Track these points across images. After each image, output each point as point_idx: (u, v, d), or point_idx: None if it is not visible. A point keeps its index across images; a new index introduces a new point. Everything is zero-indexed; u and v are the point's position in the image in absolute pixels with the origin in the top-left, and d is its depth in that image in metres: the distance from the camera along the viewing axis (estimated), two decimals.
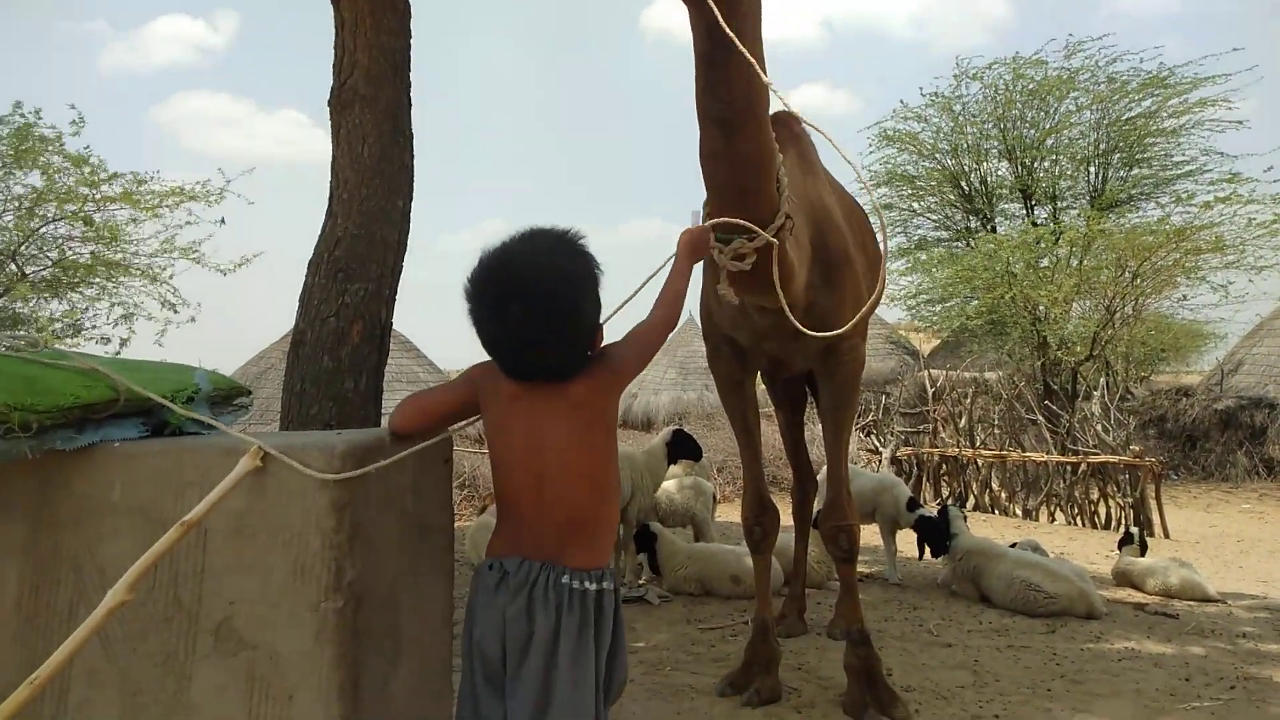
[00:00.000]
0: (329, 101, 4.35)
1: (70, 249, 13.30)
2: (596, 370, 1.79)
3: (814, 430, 9.30)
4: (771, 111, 3.64)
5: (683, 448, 6.05)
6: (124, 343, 12.82)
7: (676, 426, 6.39)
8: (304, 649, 1.61)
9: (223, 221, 13.62)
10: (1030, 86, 16.67)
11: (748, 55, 1.95)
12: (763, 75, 2.09)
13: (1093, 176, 17.28)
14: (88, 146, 12.78)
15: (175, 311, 13.50)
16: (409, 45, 4.49)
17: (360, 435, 1.70)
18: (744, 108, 2.11)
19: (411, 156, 4.44)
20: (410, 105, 4.47)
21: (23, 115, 12.44)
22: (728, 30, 1.90)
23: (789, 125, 3.59)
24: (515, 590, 1.70)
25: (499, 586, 1.71)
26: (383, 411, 4.28)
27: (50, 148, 12.58)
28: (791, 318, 2.48)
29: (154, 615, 1.69)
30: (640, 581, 5.83)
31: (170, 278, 13.67)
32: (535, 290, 1.67)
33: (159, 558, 1.48)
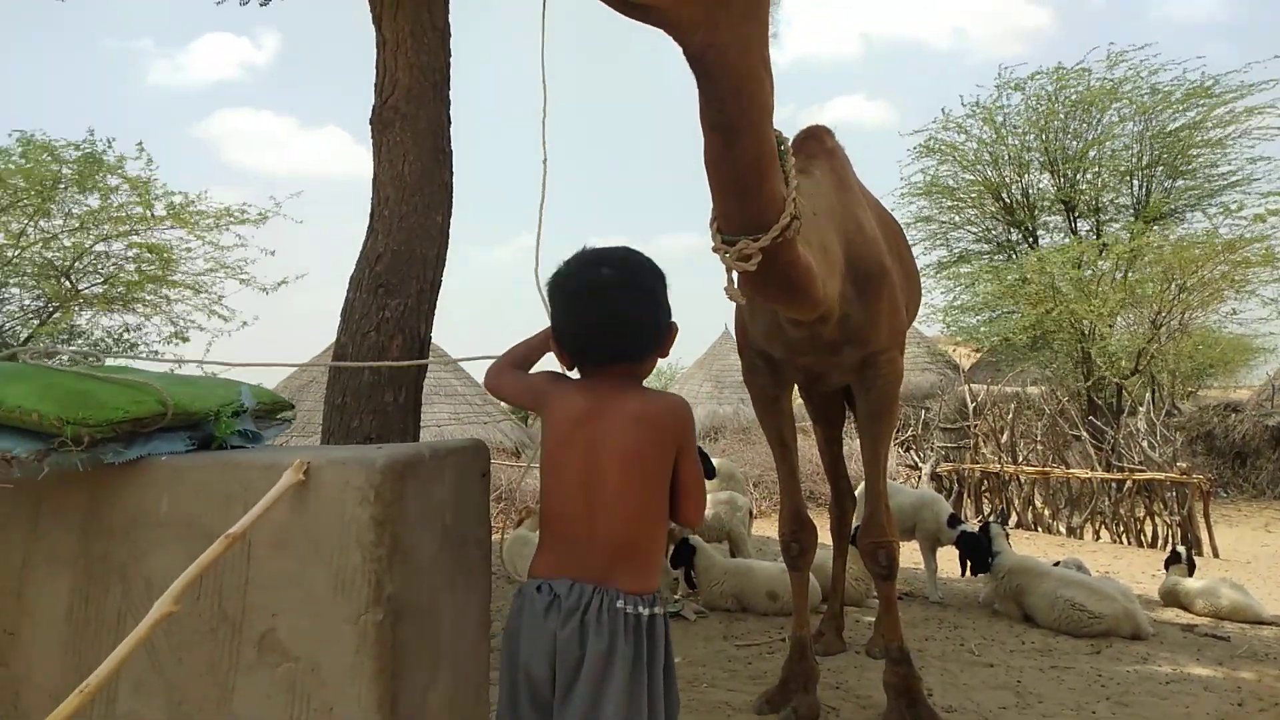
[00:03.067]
0: (371, 120, 4.43)
1: (122, 267, 13.70)
2: (669, 405, 1.85)
3: (852, 445, 9.20)
4: (807, 126, 3.68)
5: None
6: (176, 362, 13.24)
7: (696, 444, 6.36)
8: (344, 661, 1.62)
9: (273, 253, 14.02)
10: (1073, 97, 16.45)
11: (738, 73, 2.04)
12: (765, 86, 2.15)
13: (1136, 189, 16.99)
14: (149, 165, 13.17)
15: (225, 320, 13.86)
16: (449, 64, 4.56)
17: (400, 449, 1.72)
18: (742, 115, 2.14)
19: (451, 174, 4.50)
20: (450, 123, 4.53)
21: (93, 143, 12.86)
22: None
23: (821, 139, 3.60)
24: (567, 614, 1.68)
25: (549, 610, 1.69)
26: (421, 425, 4.34)
27: (113, 173, 13.00)
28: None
29: (199, 626, 1.72)
30: (676, 597, 5.81)
31: (219, 299, 14.03)
32: (641, 277, 1.84)
33: (204, 570, 1.51)
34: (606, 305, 1.80)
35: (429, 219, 4.34)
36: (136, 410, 1.81)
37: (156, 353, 13.35)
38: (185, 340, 13.82)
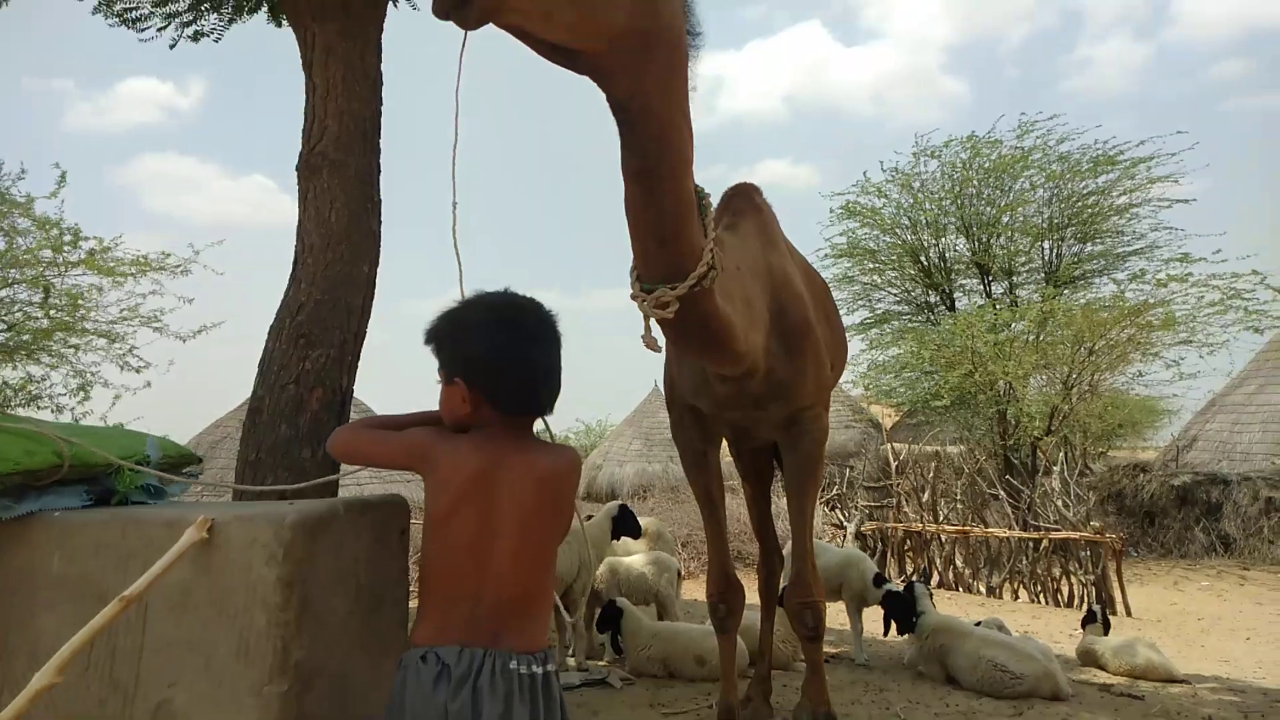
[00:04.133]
0: (297, 166, 4.35)
1: (27, 313, 13.08)
2: (565, 458, 1.81)
3: (780, 504, 9.25)
4: (735, 183, 3.74)
5: (625, 524, 5.98)
6: (77, 416, 12.62)
7: (622, 503, 6.32)
8: None
9: (191, 300, 13.59)
10: (986, 164, 17.22)
11: (656, 123, 2.10)
12: (684, 136, 2.22)
13: (1047, 252, 17.79)
14: (61, 203, 12.68)
15: (137, 372, 13.28)
16: (380, 113, 4.53)
17: (312, 505, 1.63)
18: (661, 163, 2.19)
19: (379, 222, 4.43)
20: (380, 171, 4.48)
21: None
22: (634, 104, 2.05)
23: (749, 196, 3.67)
24: (458, 683, 1.58)
25: (438, 680, 1.59)
26: (341, 483, 4.18)
27: (17, 210, 12.47)
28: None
29: (86, 698, 1.59)
30: (601, 663, 5.67)
31: (131, 349, 13.49)
32: (555, 329, 1.82)
33: (94, 636, 1.40)
34: (546, 362, 1.78)
35: (355, 268, 4.25)
36: (29, 462, 1.69)
37: (60, 408, 12.71)
38: (87, 397, 13.14)
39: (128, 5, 5.62)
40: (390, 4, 4.84)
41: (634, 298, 2.46)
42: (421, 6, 5.80)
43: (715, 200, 3.34)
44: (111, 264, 13.20)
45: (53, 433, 1.73)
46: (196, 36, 5.86)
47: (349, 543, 1.70)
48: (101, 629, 1.40)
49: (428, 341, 1.80)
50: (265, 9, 5.74)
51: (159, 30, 5.78)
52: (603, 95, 2.10)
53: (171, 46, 5.87)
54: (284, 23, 5.22)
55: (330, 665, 1.65)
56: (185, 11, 5.66)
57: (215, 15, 5.74)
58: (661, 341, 2.68)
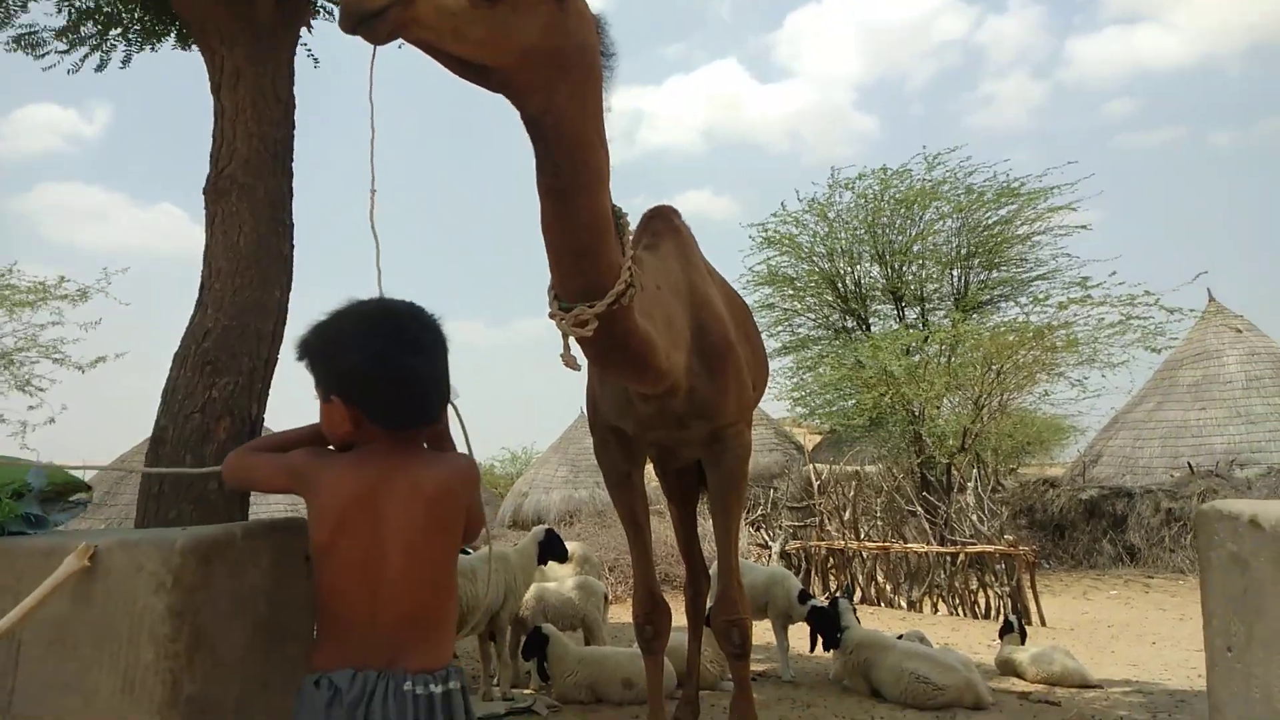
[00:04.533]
0: (205, 190, 4.19)
1: None
2: (454, 465, 1.74)
3: (707, 526, 9.25)
4: (654, 206, 3.75)
5: (552, 548, 5.92)
6: None
7: (548, 527, 6.26)
8: None
9: (98, 322, 13.02)
10: (897, 195, 17.78)
11: (568, 140, 2.11)
12: (599, 153, 2.23)
13: (956, 279, 18.40)
14: None
15: (37, 403, 12.64)
16: (292, 135, 4.40)
17: (205, 529, 1.54)
18: (575, 179, 2.19)
19: (291, 246, 4.29)
20: (291, 195, 4.35)
21: None
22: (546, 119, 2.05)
23: (668, 218, 3.68)
24: (350, 708, 1.51)
25: (331, 706, 1.51)
26: (249, 515, 4.01)
27: None
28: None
29: None
30: (527, 691, 5.55)
31: (28, 381, 12.85)
32: (438, 333, 1.74)
33: None
34: (429, 369, 1.70)
35: (265, 293, 4.10)
36: None
37: None
38: None
39: (26, 29, 5.37)
40: (305, 29, 4.74)
41: (552, 316, 2.44)
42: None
43: (634, 224, 3.35)
44: (7, 291, 12.58)
45: None
46: (102, 64, 5.62)
47: (248, 569, 1.60)
48: None
49: (300, 357, 1.71)
50: (173, 34, 5.55)
51: (60, 55, 5.53)
52: (517, 113, 2.09)
53: (71, 72, 5.62)
54: (192, 46, 5.05)
55: (227, 702, 1.55)
56: (90, 38, 5.43)
57: (123, 42, 5.52)
58: (581, 360, 2.65)
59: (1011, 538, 9.77)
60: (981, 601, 9.52)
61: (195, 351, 3.91)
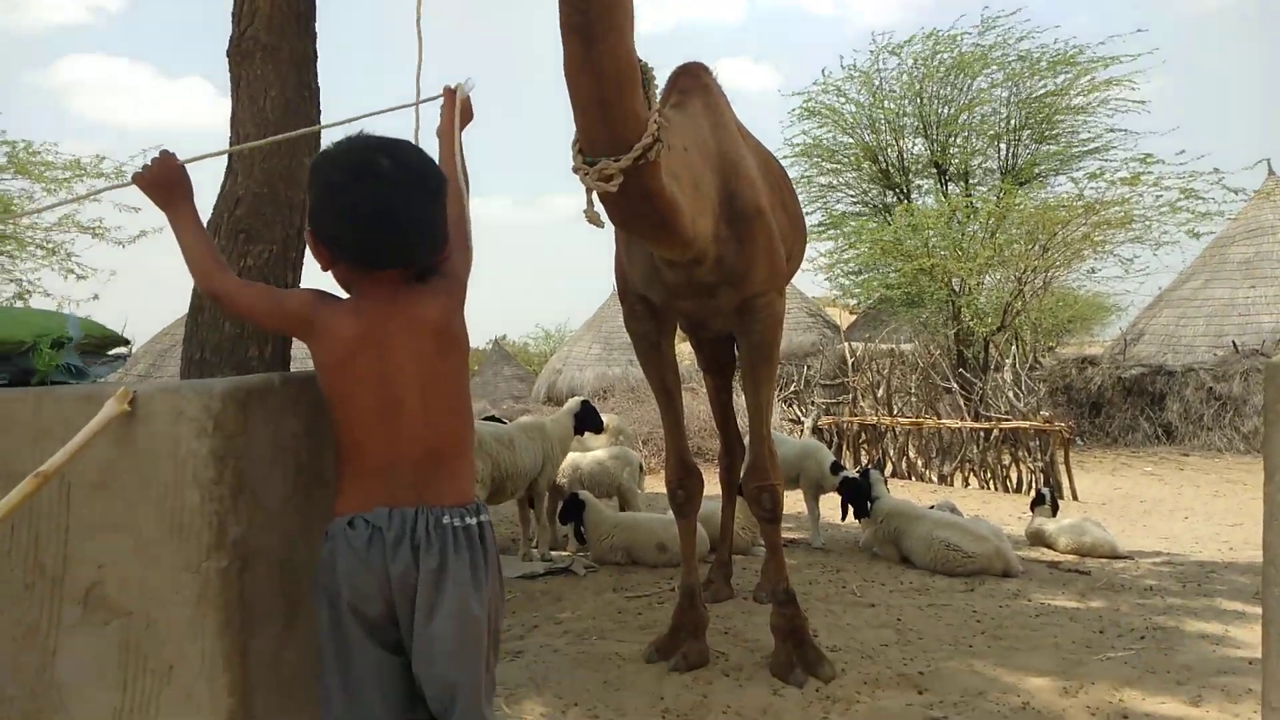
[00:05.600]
0: (228, 51, 4.08)
1: None
2: (449, 288, 1.70)
3: (741, 402, 9.32)
4: (682, 63, 3.58)
5: (588, 420, 6.03)
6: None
7: (584, 399, 6.34)
8: (184, 615, 1.45)
9: (138, 210, 13.08)
10: (947, 62, 16.95)
11: None
12: None
13: (1004, 152, 17.71)
14: None
15: (81, 279, 12.90)
16: None
17: (245, 377, 1.54)
18: (602, 16, 2.09)
19: (318, 111, 4.20)
20: (316, 57, 4.22)
21: None
22: None
23: (697, 75, 3.51)
24: (394, 544, 1.53)
25: (370, 544, 1.53)
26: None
27: None
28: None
29: (11, 582, 1.51)
30: (565, 552, 5.73)
31: (69, 256, 13.05)
32: (416, 168, 1.63)
33: (9, 514, 1.31)
34: (409, 207, 1.61)
35: (294, 160, 4.03)
36: None
37: None
38: (26, 304, 12.75)
39: None
40: None
41: (576, 170, 2.37)
42: None
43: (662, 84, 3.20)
44: (42, 168, 12.63)
45: None
46: None
47: (287, 418, 1.61)
48: (16, 507, 1.31)
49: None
50: None
51: None
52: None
53: None
54: None
55: (272, 547, 1.58)
56: None
57: None
58: (604, 217, 2.59)
59: (1047, 414, 9.75)
60: (1013, 476, 9.58)
61: (228, 219, 3.89)
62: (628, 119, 2.28)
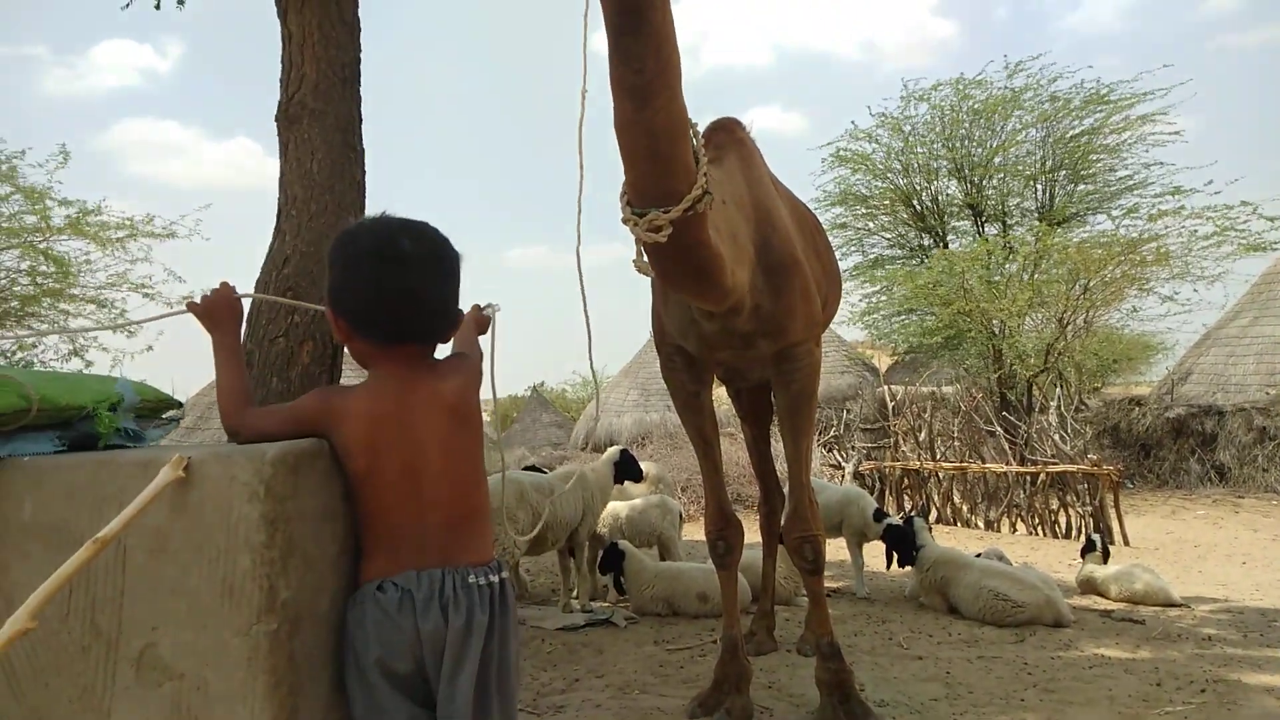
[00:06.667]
0: (276, 117, 4.24)
1: (15, 280, 12.99)
2: (466, 368, 1.81)
3: (780, 448, 9.25)
4: (717, 118, 3.65)
5: (628, 468, 6.06)
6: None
7: (623, 447, 6.37)
8: (235, 677, 1.47)
9: (182, 280, 13.59)
10: (976, 106, 17.00)
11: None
12: (677, 51, 2.20)
13: (1040, 193, 17.64)
14: (50, 175, 12.56)
15: (130, 335, 13.27)
16: (359, 59, 4.40)
17: (294, 443, 1.57)
18: (658, 76, 2.16)
19: (363, 171, 4.34)
20: (361, 119, 4.37)
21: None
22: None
23: (731, 130, 3.59)
24: (425, 604, 1.58)
25: (401, 606, 1.57)
26: None
27: (3, 180, 12.39)
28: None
29: (68, 645, 1.55)
30: (605, 604, 5.70)
31: (122, 313, 13.47)
32: (436, 249, 1.72)
33: (67, 580, 1.34)
34: (437, 290, 1.71)
35: (340, 219, 4.16)
36: None
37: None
38: (85, 360, 13.13)
39: None
40: None
41: (625, 221, 2.42)
42: None
43: None
44: (97, 228, 13.07)
45: (18, 376, 1.66)
46: None
47: (333, 480, 1.64)
48: (75, 572, 1.35)
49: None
50: None
51: None
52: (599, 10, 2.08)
53: (157, 6, 5.67)
54: None
55: (320, 608, 1.60)
56: None
57: None
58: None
59: (1095, 457, 9.53)
60: (1062, 521, 9.36)
61: (276, 278, 4.01)
62: (679, 172, 2.34)
